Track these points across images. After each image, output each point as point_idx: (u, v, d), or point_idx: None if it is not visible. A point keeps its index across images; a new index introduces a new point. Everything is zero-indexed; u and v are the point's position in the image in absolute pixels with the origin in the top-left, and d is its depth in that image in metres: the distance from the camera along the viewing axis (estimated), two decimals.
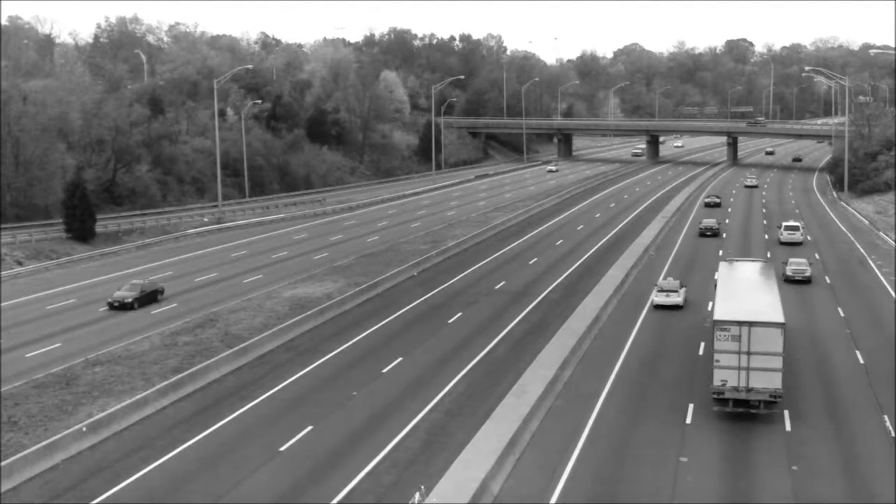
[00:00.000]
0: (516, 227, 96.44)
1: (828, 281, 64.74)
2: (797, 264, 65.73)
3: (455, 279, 68.09)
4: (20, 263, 76.75)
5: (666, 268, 71.22)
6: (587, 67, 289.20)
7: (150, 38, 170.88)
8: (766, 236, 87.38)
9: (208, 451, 34.88)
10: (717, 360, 37.91)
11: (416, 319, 55.75)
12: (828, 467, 32.98)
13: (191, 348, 48.36)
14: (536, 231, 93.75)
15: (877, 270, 70.06)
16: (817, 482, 31.70)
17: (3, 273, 71.87)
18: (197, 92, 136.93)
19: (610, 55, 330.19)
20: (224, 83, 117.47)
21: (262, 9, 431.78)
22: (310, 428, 37.02)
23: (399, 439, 35.71)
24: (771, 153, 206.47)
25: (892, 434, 35.98)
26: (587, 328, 49.94)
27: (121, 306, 59.28)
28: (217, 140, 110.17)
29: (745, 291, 45.36)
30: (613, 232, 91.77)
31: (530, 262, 74.89)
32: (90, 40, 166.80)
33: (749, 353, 37.53)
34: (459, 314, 56.65)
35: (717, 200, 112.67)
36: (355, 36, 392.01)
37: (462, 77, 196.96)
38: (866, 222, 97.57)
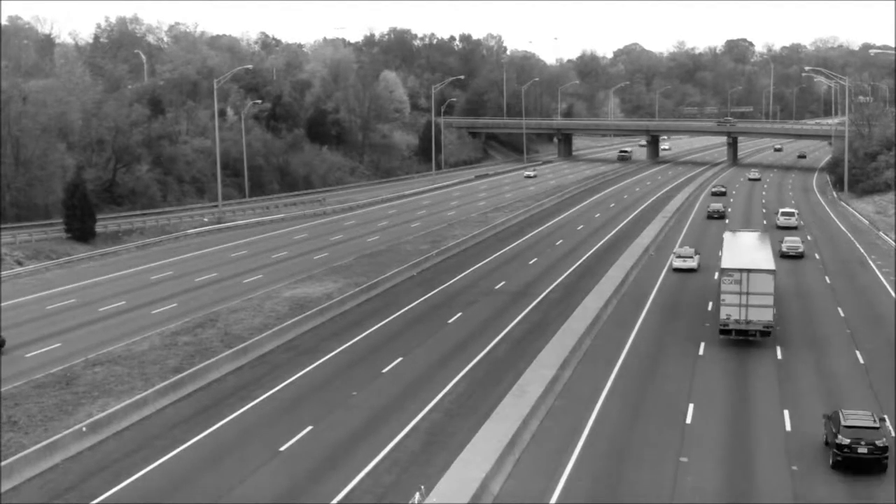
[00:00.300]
0: (516, 227, 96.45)
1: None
2: (791, 241, 77.39)
3: (455, 279, 68.10)
4: (20, 263, 76.76)
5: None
6: (587, 67, 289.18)
7: (150, 38, 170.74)
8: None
9: (208, 451, 34.88)
10: (723, 300, 48.41)
11: (416, 319, 55.76)
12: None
13: (191, 348, 48.36)
14: (536, 231, 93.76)
15: (877, 270, 70.08)
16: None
17: (3, 273, 71.87)
18: (197, 92, 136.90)
19: (610, 55, 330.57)
20: (224, 83, 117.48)
21: (262, 9, 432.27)
22: (310, 428, 37.03)
23: (399, 439, 35.72)
24: (779, 150, 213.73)
25: (893, 434, 35.98)
26: (587, 328, 49.95)
27: None
28: (217, 140, 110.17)
29: (745, 249, 55.63)
30: (613, 232, 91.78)
31: (530, 262, 74.90)
32: (90, 40, 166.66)
33: (748, 294, 48.01)
34: (459, 314, 56.66)
35: (723, 189, 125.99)
36: (355, 36, 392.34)
37: (462, 77, 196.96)
38: (866, 222, 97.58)
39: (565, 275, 69.29)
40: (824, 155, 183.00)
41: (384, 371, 44.91)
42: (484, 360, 46.78)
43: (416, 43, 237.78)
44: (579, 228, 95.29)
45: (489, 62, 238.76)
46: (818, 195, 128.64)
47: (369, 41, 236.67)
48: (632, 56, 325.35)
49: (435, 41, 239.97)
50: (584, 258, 76.54)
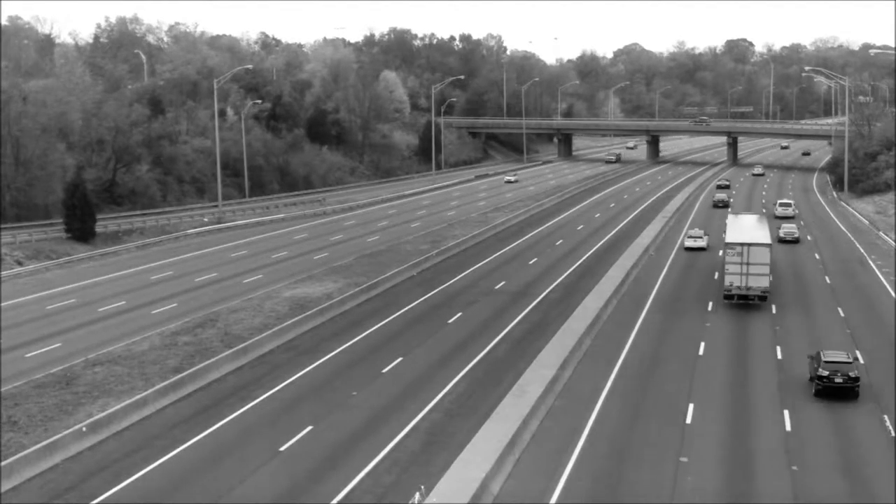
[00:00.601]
0: (516, 227, 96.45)
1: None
2: (788, 227, 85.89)
3: (455, 279, 68.10)
4: (20, 263, 76.75)
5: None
6: (587, 67, 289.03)
7: (150, 38, 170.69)
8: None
9: (208, 451, 34.88)
10: (727, 269, 57.61)
11: (416, 319, 55.76)
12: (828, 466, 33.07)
13: (191, 348, 48.36)
14: (536, 231, 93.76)
15: (877, 270, 70.09)
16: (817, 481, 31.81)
17: (3, 273, 71.87)
18: (197, 92, 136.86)
19: (610, 55, 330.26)
20: (224, 83, 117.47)
21: (262, 9, 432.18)
22: (310, 428, 37.03)
23: (399, 439, 35.72)
24: (786, 147, 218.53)
25: (893, 434, 36.01)
26: (587, 328, 49.95)
27: None
28: (217, 140, 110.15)
29: (746, 228, 64.99)
30: (613, 232, 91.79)
31: (530, 262, 74.90)
32: (90, 40, 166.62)
33: (748, 264, 57.17)
34: (459, 314, 56.66)
35: (727, 183, 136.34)
36: (355, 36, 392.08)
37: (462, 77, 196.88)
38: (866, 222, 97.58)
39: (565, 275, 69.29)
40: (824, 155, 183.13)
41: (384, 371, 44.91)
42: (484, 360, 46.78)
43: (416, 43, 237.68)
44: (579, 228, 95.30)
45: (489, 62, 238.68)
46: (818, 195, 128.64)
47: (369, 41, 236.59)
48: (632, 56, 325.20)
49: (435, 41, 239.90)
50: (584, 258, 76.54)
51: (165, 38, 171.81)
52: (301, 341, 50.84)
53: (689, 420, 37.69)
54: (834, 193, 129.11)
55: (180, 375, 42.36)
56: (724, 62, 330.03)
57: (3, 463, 31.87)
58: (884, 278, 66.95)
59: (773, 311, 56.86)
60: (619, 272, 66.17)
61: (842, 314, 50.50)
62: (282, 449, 34.94)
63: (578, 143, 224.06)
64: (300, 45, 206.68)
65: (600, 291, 59.42)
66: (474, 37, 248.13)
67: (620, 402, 39.99)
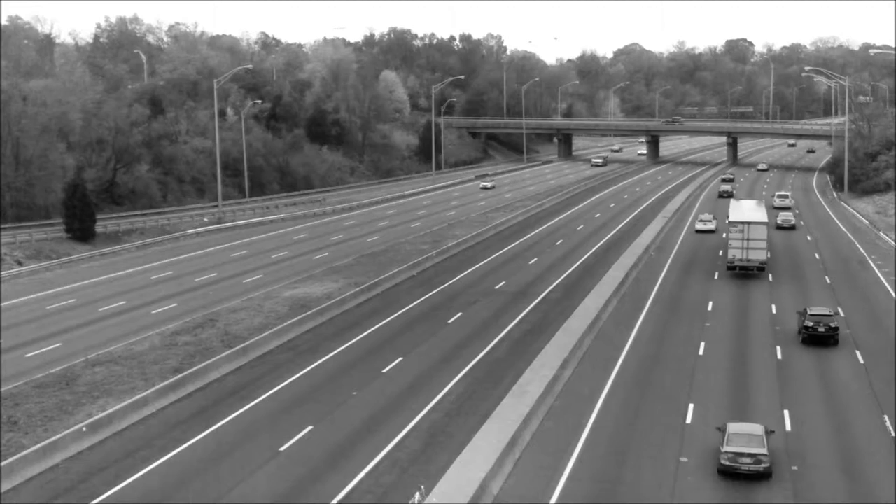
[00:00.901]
0: (516, 227, 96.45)
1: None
2: (785, 215, 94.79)
3: (455, 279, 68.10)
4: (20, 263, 76.77)
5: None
6: (587, 67, 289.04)
7: (150, 38, 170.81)
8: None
9: (208, 451, 34.88)
10: (730, 244, 67.64)
11: (416, 319, 55.76)
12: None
13: (191, 348, 48.36)
14: (536, 231, 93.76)
15: (877, 270, 70.08)
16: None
17: (3, 273, 71.88)
18: (197, 92, 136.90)
19: (610, 55, 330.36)
20: (224, 83, 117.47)
21: (262, 9, 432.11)
22: (310, 428, 37.02)
23: (399, 439, 35.71)
24: (793, 145, 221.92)
25: (893, 434, 36.01)
26: (587, 328, 49.93)
27: None
28: (217, 140, 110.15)
29: (746, 210, 74.72)
30: (613, 232, 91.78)
31: (530, 262, 74.89)
32: (90, 40, 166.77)
33: (748, 240, 66.58)
34: (459, 314, 56.65)
35: (731, 176, 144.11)
36: (355, 36, 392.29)
37: (462, 77, 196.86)
38: (866, 222, 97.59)
39: (565, 275, 69.28)
40: (824, 155, 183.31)
41: (384, 371, 44.90)
42: (484, 360, 46.77)
43: (416, 43, 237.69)
44: (579, 228, 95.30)
45: (489, 62, 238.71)
46: (818, 195, 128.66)
47: (369, 41, 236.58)
48: (632, 56, 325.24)
49: (435, 41, 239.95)
50: (584, 258, 76.54)
51: (165, 38, 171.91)
52: (301, 341, 50.83)
53: (689, 420, 37.68)
54: (834, 193, 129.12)
55: (180, 375, 42.35)
56: (724, 62, 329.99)
57: (3, 463, 31.87)
58: (884, 278, 66.95)
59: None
60: (620, 272, 66.14)
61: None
62: (282, 449, 34.93)
63: (578, 143, 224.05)
64: (300, 45, 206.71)
65: (600, 291, 59.40)
66: (474, 37, 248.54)
67: (620, 402, 39.98)
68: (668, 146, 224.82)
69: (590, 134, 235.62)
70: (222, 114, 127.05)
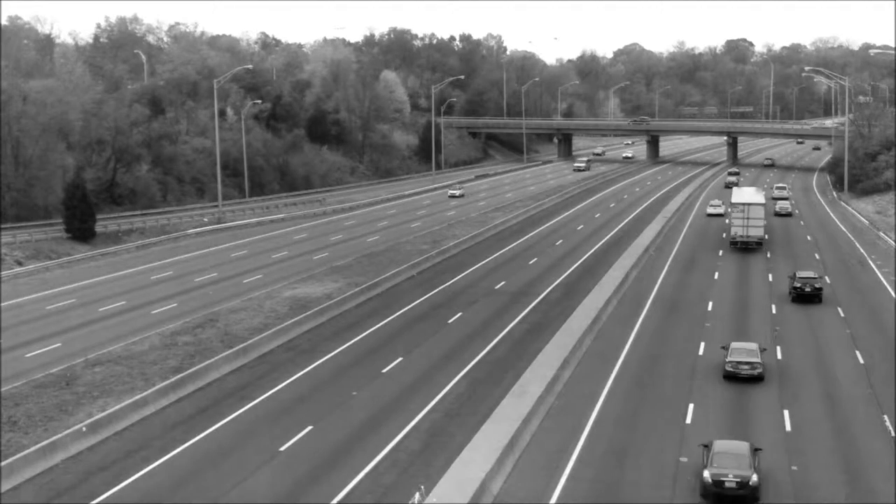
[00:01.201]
0: (516, 227, 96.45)
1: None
2: (782, 204, 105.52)
3: (455, 279, 68.10)
4: (20, 263, 76.76)
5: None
6: (587, 67, 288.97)
7: (150, 38, 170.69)
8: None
9: (208, 452, 34.88)
10: (733, 223, 79.93)
11: (417, 319, 55.76)
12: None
13: (191, 348, 48.36)
14: (536, 231, 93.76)
15: (877, 270, 70.09)
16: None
17: (3, 273, 71.87)
18: (197, 92, 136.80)
19: (610, 55, 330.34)
20: (224, 83, 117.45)
21: (262, 9, 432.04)
22: (310, 428, 37.02)
23: (399, 439, 35.71)
24: (801, 143, 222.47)
25: (893, 434, 36.02)
26: (587, 328, 49.93)
27: None
28: (217, 140, 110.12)
29: (747, 194, 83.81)
30: (613, 232, 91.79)
31: (530, 262, 74.89)
32: (90, 40, 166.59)
33: (748, 219, 78.02)
34: (459, 314, 56.65)
35: (737, 171, 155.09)
36: (355, 36, 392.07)
37: (462, 77, 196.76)
38: (866, 222, 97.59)
39: (565, 275, 69.29)
40: (824, 154, 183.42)
41: (384, 371, 44.90)
42: (484, 360, 46.77)
43: (416, 43, 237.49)
44: (579, 228, 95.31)
45: (489, 62, 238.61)
46: (818, 195, 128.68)
47: (369, 41, 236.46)
48: (632, 56, 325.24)
49: (435, 41, 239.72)
50: (584, 258, 76.55)
51: (165, 38, 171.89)
52: (301, 341, 50.83)
53: (688, 420, 37.68)
54: (834, 193, 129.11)
55: (180, 375, 42.35)
56: (724, 62, 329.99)
57: (3, 463, 31.87)
58: (884, 278, 66.94)
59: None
60: (620, 272, 66.15)
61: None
62: (282, 449, 34.94)
63: (578, 143, 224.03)
64: (300, 45, 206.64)
65: (600, 291, 59.41)
66: (474, 37, 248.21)
67: (620, 402, 39.99)
68: (667, 146, 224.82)
69: (590, 134, 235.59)
70: (222, 114, 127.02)
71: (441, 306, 59.12)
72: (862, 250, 79.63)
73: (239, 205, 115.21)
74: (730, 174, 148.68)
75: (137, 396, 39.43)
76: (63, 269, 76.85)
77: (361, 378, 43.80)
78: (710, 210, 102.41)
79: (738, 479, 29.72)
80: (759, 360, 42.36)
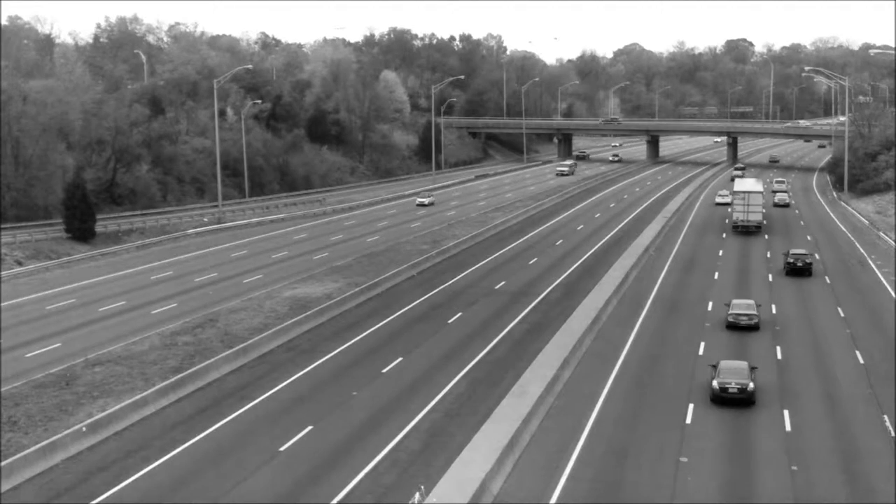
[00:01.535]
0: (516, 227, 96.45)
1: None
2: (780, 195, 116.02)
3: (455, 279, 68.10)
4: (20, 263, 76.75)
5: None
6: (587, 67, 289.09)
7: (150, 38, 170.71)
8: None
9: (208, 452, 34.88)
10: (735, 209, 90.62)
11: (417, 319, 55.76)
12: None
13: (191, 348, 48.36)
14: (536, 231, 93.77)
15: (877, 270, 70.10)
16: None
17: (3, 273, 71.87)
18: (197, 92, 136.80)
19: (610, 55, 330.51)
20: (224, 83, 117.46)
21: (262, 9, 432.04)
22: (310, 428, 37.02)
23: (399, 439, 35.71)
24: (808, 141, 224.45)
25: (893, 434, 36.03)
26: (587, 328, 49.93)
27: None
28: (217, 140, 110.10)
29: (747, 183, 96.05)
30: (613, 232, 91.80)
31: (530, 262, 74.90)
32: (90, 40, 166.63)
33: (748, 206, 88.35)
34: (459, 314, 56.65)
35: (743, 165, 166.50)
36: (355, 36, 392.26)
37: (462, 77, 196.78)
38: (866, 222, 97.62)
39: (565, 275, 69.29)
40: (824, 154, 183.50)
41: (384, 371, 44.90)
42: (484, 360, 46.77)
43: (416, 43, 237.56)
44: (579, 228, 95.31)
45: (489, 62, 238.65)
46: (818, 195, 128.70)
47: (369, 41, 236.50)
48: (632, 56, 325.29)
49: (435, 41, 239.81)
50: (584, 258, 76.55)
51: (165, 38, 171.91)
52: (301, 341, 50.83)
53: (688, 420, 37.68)
54: (834, 193, 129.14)
55: (180, 375, 42.34)
56: (724, 62, 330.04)
57: (3, 463, 31.87)
58: (884, 278, 66.96)
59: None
60: (620, 272, 66.16)
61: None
62: (282, 449, 34.94)
63: (578, 143, 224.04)
64: (300, 45, 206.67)
65: (600, 291, 59.41)
66: (474, 37, 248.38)
67: (620, 402, 39.99)
68: (668, 146, 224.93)
69: (590, 134, 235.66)
70: (222, 114, 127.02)
71: (441, 306, 59.12)
72: (862, 250, 79.65)
73: (239, 205, 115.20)
74: (736, 168, 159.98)
75: (137, 396, 39.42)
76: (63, 269, 76.84)
77: (361, 378, 43.80)
78: (718, 199, 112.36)
79: (739, 387, 38.77)
80: (755, 312, 51.91)
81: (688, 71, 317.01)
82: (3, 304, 60.92)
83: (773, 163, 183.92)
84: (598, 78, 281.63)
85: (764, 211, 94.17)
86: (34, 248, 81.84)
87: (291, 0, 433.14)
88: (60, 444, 34.13)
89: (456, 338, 51.03)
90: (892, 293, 61.82)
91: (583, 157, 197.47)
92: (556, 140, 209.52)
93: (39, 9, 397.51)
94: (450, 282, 67.10)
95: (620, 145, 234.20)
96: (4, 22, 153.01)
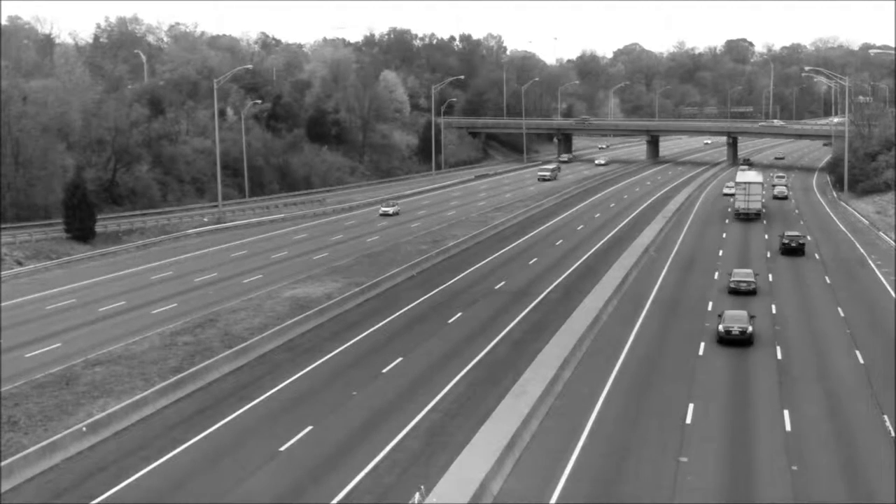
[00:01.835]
0: (516, 227, 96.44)
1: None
2: (780, 188, 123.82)
3: (455, 279, 68.10)
4: (20, 263, 76.77)
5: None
6: (587, 67, 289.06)
7: (150, 38, 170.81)
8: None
9: (208, 452, 34.87)
10: (737, 198, 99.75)
11: (417, 319, 55.75)
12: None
13: (191, 348, 48.35)
14: (536, 231, 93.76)
15: (877, 270, 70.10)
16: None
17: (3, 273, 71.87)
18: (197, 92, 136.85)
19: (610, 55, 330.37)
20: (224, 83, 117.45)
21: (262, 9, 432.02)
22: (310, 428, 37.02)
23: (399, 439, 35.71)
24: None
25: (893, 434, 36.02)
26: (587, 328, 49.92)
27: None
28: (217, 140, 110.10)
29: (749, 175, 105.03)
30: (613, 232, 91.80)
31: (530, 262, 74.89)
32: (90, 40, 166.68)
33: (749, 195, 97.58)
34: (459, 314, 56.64)
35: (750, 160, 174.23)
36: (355, 36, 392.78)
37: (462, 77, 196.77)
38: (866, 222, 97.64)
39: (565, 275, 69.28)
40: (824, 154, 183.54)
41: (384, 371, 44.90)
42: (484, 360, 46.77)
43: (416, 43, 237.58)
44: (579, 228, 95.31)
45: (489, 62, 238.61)
46: (818, 195, 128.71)
47: (369, 41, 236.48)
48: (632, 56, 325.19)
49: (435, 41, 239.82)
50: (584, 258, 76.55)
51: (165, 38, 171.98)
52: (301, 341, 50.83)
53: (689, 420, 37.68)
54: (834, 193, 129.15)
55: (180, 375, 42.34)
56: (724, 62, 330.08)
57: (3, 463, 31.87)
58: (884, 278, 66.96)
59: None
60: (620, 272, 66.14)
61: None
62: (282, 449, 34.93)
63: (578, 143, 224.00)
64: (300, 45, 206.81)
65: (600, 291, 59.38)
66: (474, 37, 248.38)
67: (620, 401, 39.98)
68: (668, 146, 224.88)
69: (590, 134, 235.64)
70: (222, 114, 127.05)
71: (441, 306, 59.12)
72: (862, 250, 79.64)
73: (239, 205, 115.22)
74: (744, 163, 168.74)
75: (137, 396, 39.42)
76: (63, 269, 76.86)
77: (361, 378, 43.79)
78: (726, 190, 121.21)
79: (740, 329, 48.13)
80: (753, 279, 61.44)
81: (688, 71, 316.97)
82: (3, 304, 60.93)
83: (779, 160, 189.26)
84: (598, 78, 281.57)
85: (763, 201, 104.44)
86: (34, 248, 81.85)
87: (291, 0, 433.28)
88: (60, 444, 34.12)
89: (456, 338, 51.02)
90: (893, 293, 61.78)
91: (567, 162, 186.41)
92: (556, 140, 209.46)
93: (39, 9, 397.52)
94: (450, 282, 67.09)
95: (607, 147, 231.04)
96: (4, 22, 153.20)
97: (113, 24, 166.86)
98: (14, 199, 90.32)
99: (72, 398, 40.45)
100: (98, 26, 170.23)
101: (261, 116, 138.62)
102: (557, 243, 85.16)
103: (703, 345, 48.75)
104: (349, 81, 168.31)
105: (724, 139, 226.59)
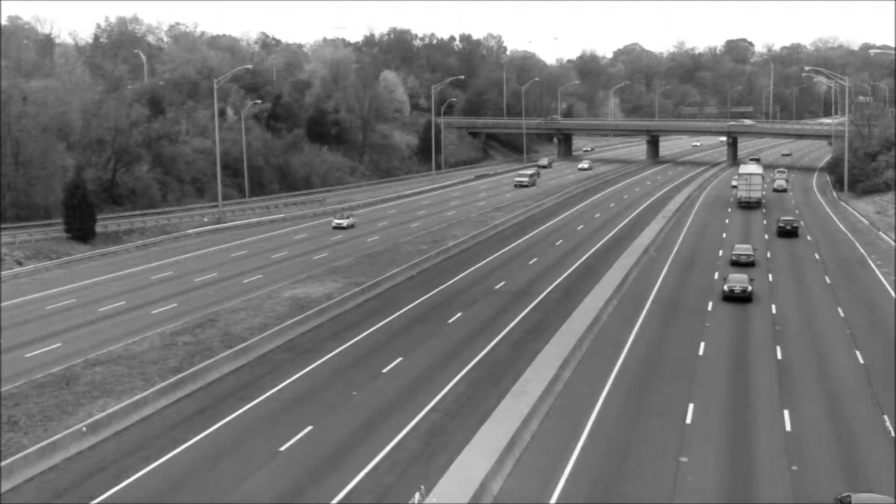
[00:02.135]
0: (516, 227, 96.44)
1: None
2: (780, 182, 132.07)
3: (455, 279, 68.09)
4: (20, 263, 76.76)
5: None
6: (587, 67, 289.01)
7: (150, 38, 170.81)
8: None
9: (208, 452, 34.87)
10: (739, 188, 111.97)
11: (416, 319, 55.75)
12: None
13: (191, 348, 48.35)
14: (536, 231, 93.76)
15: (877, 270, 70.10)
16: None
17: (3, 273, 71.86)
18: (197, 92, 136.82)
19: (610, 55, 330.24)
20: (224, 83, 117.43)
21: (262, 9, 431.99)
22: (310, 428, 37.02)
23: (399, 439, 35.71)
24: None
25: (893, 434, 36.02)
26: (587, 328, 49.91)
27: None
28: (217, 140, 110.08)
29: (750, 167, 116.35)
30: (613, 232, 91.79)
31: (530, 263, 74.89)
32: (90, 40, 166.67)
33: (750, 185, 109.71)
34: (459, 314, 56.64)
35: (758, 157, 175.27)
36: (355, 36, 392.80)
37: (462, 77, 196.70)
38: (866, 222, 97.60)
39: (565, 275, 69.28)
40: (824, 154, 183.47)
41: (384, 371, 44.90)
42: (484, 360, 46.76)
43: (416, 43, 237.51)
44: (579, 228, 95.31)
45: (489, 62, 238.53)
46: (818, 195, 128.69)
47: (369, 41, 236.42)
48: (632, 56, 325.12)
49: (435, 41, 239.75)
50: (584, 258, 76.55)
51: (165, 38, 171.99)
52: (301, 341, 50.83)
53: (689, 420, 37.68)
54: (834, 193, 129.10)
55: (180, 375, 42.35)
56: (724, 62, 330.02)
57: (3, 463, 31.87)
58: (884, 278, 66.96)
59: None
60: (620, 272, 66.13)
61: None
62: (282, 449, 34.93)
63: (578, 143, 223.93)
64: (300, 45, 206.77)
65: (600, 291, 59.37)
66: (474, 37, 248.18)
67: (620, 401, 39.98)
68: (668, 146, 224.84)
69: (590, 134, 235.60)
70: (222, 114, 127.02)
71: (441, 306, 59.12)
72: (862, 250, 79.63)
73: (239, 205, 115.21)
74: (751, 159, 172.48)
75: (137, 396, 39.42)
76: (63, 269, 76.85)
77: (361, 378, 43.79)
78: (734, 182, 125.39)
79: (741, 288, 58.69)
80: (752, 253, 71.48)
81: (688, 71, 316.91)
82: (3, 304, 60.92)
83: (786, 156, 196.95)
84: (598, 78, 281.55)
85: (764, 192, 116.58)
86: (34, 248, 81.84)
87: (291, 0, 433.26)
88: (60, 444, 34.13)
89: (456, 338, 51.03)
90: (892, 293, 61.77)
91: (547, 167, 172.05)
92: (556, 140, 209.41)
93: (39, 9, 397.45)
94: (450, 282, 67.09)
95: (593, 149, 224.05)
96: (4, 22, 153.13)
97: (113, 24, 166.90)
98: (14, 199, 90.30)
99: (72, 398, 40.45)
100: (98, 26, 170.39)
101: (261, 116, 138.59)
102: (557, 243, 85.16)
103: (703, 345, 48.74)
104: (349, 81, 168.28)
105: (715, 140, 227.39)
